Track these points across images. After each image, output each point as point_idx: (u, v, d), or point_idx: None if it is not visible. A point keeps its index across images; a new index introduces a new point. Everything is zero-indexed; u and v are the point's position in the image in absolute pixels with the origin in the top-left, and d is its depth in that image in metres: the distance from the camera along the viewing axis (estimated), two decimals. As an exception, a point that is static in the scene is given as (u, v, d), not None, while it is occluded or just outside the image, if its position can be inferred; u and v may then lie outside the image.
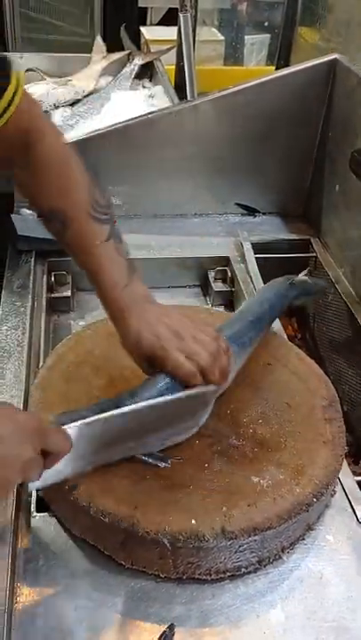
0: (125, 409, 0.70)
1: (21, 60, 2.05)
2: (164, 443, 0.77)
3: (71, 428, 0.66)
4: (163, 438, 0.76)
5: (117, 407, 0.71)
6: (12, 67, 0.74)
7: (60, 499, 0.73)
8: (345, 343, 1.24)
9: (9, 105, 0.72)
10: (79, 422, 0.67)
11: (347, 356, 1.23)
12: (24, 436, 0.59)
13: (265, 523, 0.69)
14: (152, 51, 2.15)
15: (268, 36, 2.60)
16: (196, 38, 1.99)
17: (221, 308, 1.26)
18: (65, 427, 0.66)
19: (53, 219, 0.79)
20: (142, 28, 2.43)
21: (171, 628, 0.67)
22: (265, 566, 0.73)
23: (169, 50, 2.03)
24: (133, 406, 0.71)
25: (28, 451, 0.58)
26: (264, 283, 1.22)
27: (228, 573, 0.72)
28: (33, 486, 0.69)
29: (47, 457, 0.62)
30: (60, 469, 0.65)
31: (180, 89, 1.87)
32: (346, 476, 0.83)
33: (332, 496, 0.80)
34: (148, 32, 2.39)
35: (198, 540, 0.68)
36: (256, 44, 2.75)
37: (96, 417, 0.69)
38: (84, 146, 1.29)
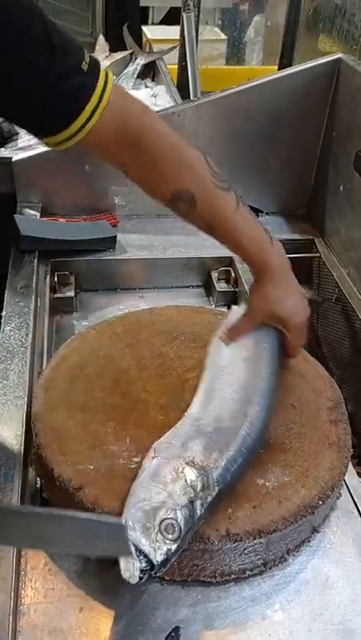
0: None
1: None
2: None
3: None
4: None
5: None
6: (98, 66, 0.73)
7: (65, 500, 0.73)
8: (349, 344, 1.24)
9: (98, 104, 0.71)
10: None
11: (351, 357, 1.23)
12: None
13: (270, 525, 0.69)
14: (154, 50, 2.15)
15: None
16: (199, 37, 1.98)
17: (225, 309, 1.25)
18: None
19: (179, 200, 0.79)
20: (144, 28, 2.43)
21: (176, 630, 0.67)
22: (270, 568, 0.73)
23: (172, 49, 2.03)
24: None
25: None
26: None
27: (234, 576, 0.72)
28: None
29: None
30: None
31: (182, 88, 1.86)
32: (351, 477, 0.83)
33: (337, 498, 0.80)
34: (149, 31, 2.39)
35: (203, 543, 0.67)
36: (257, 43, 2.75)
37: None
38: (87, 146, 1.29)
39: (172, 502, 0.64)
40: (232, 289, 1.27)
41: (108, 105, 0.72)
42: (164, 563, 0.61)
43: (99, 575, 0.71)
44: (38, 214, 1.30)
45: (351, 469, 0.83)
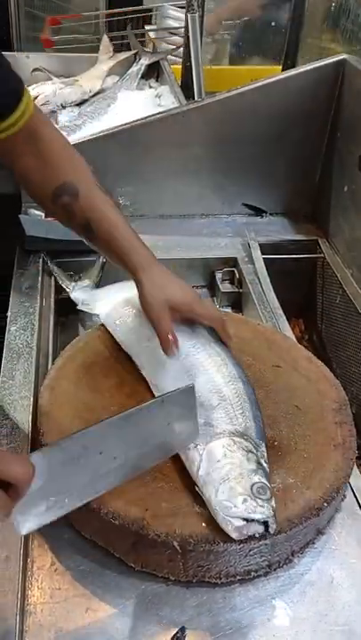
0: (93, 427, 0.64)
1: (28, 60, 2.04)
2: (153, 460, 0.72)
3: (36, 454, 0.59)
4: (149, 455, 0.70)
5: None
6: (22, 83, 0.84)
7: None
8: (353, 344, 1.23)
9: (22, 115, 0.82)
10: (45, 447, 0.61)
11: (355, 358, 1.23)
12: None
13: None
14: (158, 50, 2.15)
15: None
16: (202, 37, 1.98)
17: (229, 309, 1.26)
18: (31, 454, 0.59)
19: (63, 194, 0.86)
20: (147, 28, 2.42)
21: (182, 631, 0.67)
22: (275, 570, 0.73)
23: (176, 49, 2.02)
24: (101, 423, 0.65)
25: None
26: (272, 283, 1.22)
27: (239, 577, 0.72)
28: (20, 530, 0.60)
29: (9, 489, 0.55)
30: (42, 509, 0.59)
31: (186, 88, 1.86)
32: (356, 479, 0.83)
33: (342, 500, 0.80)
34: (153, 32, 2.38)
35: (209, 544, 0.68)
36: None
37: (65, 438, 0.62)
38: (91, 146, 1.29)
39: (247, 470, 0.70)
40: (236, 290, 1.27)
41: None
42: (274, 516, 0.67)
43: (104, 576, 0.72)
44: (43, 214, 1.30)
45: (356, 471, 0.83)
